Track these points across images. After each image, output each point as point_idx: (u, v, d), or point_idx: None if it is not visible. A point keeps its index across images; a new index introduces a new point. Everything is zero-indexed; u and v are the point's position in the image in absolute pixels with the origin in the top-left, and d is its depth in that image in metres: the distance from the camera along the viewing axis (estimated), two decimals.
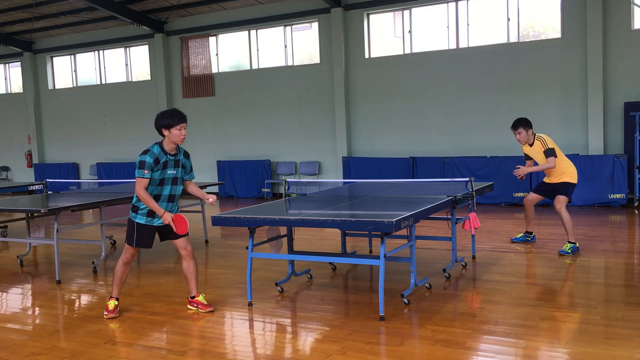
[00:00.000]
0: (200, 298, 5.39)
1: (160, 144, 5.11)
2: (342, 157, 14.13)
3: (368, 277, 6.53)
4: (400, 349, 4.30)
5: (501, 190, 11.47)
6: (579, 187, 11.26)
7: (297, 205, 6.24)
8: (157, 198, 5.10)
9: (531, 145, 7.41)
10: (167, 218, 5.07)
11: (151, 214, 5.14)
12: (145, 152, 5.04)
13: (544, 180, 7.71)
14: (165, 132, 5.04)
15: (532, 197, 7.76)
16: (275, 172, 15.31)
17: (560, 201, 7.30)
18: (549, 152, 7.21)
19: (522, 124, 7.31)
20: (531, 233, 7.98)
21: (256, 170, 15.17)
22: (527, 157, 7.63)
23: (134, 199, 5.18)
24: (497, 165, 11.89)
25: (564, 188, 7.36)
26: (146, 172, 4.95)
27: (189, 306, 5.45)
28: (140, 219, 5.16)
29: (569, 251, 7.17)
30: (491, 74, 12.91)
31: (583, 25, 11.90)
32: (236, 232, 9.71)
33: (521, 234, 8.06)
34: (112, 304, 5.32)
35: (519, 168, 7.43)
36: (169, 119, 5.02)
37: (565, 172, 7.37)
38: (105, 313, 5.29)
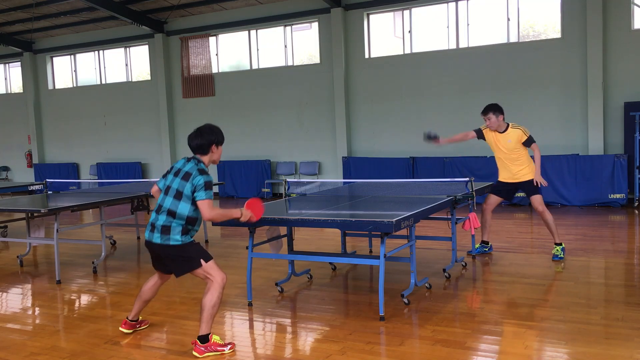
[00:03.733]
0: (216, 339, 4.40)
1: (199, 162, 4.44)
2: (342, 157, 14.13)
3: (368, 277, 6.53)
4: (400, 349, 4.30)
5: None
6: (579, 187, 11.35)
7: (297, 205, 6.24)
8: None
9: (502, 132, 6.86)
10: (246, 213, 4.52)
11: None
12: (205, 172, 4.35)
13: (500, 180, 7.16)
14: (214, 149, 4.45)
15: (493, 200, 7.23)
16: (275, 172, 15.31)
17: (539, 201, 6.87)
18: (531, 140, 6.80)
19: (491, 109, 6.81)
20: (487, 243, 7.37)
21: (256, 170, 15.17)
22: (480, 135, 7.07)
23: (172, 221, 4.34)
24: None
25: (532, 186, 6.91)
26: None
27: (195, 353, 4.32)
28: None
29: (562, 255, 6.89)
30: (491, 74, 12.90)
31: (583, 25, 11.90)
32: (236, 232, 9.71)
33: (478, 245, 7.36)
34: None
35: (539, 182, 6.86)
36: (221, 135, 4.50)
37: (527, 167, 6.93)
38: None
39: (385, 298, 5.24)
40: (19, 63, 19.36)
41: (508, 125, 6.91)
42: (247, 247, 5.63)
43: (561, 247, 6.97)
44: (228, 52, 16.23)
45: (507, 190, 7.21)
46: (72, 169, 18.41)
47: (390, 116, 14.03)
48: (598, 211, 10.82)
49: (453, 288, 5.95)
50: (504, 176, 7.15)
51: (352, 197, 6.90)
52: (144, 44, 17.18)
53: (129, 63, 17.74)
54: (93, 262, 7.37)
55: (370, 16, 14.27)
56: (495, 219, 10.21)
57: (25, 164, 19.53)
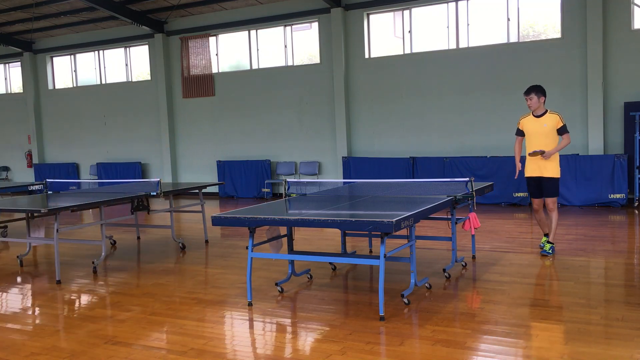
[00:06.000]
0: None
1: None
2: (342, 157, 14.13)
3: (368, 277, 6.53)
4: (400, 349, 4.30)
5: (501, 190, 11.47)
6: (579, 187, 11.34)
7: (297, 205, 6.24)
8: None
9: (539, 116, 7.05)
10: None
11: None
12: None
13: (526, 176, 7.25)
14: None
15: (537, 201, 7.29)
16: (275, 172, 15.31)
17: (553, 201, 7.12)
18: (565, 129, 6.98)
19: (534, 89, 7.04)
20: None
21: (256, 170, 15.18)
22: (520, 134, 7.28)
23: None
24: (497, 165, 11.89)
25: (555, 186, 7.09)
26: None
27: None
28: None
29: (550, 251, 7.10)
30: (491, 74, 12.90)
31: (583, 25, 11.91)
32: (236, 232, 9.71)
33: (549, 244, 7.26)
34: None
35: (543, 152, 6.97)
36: None
37: (554, 163, 7.10)
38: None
39: (385, 298, 5.24)
40: (19, 63, 19.36)
41: (546, 110, 7.11)
42: (247, 247, 5.63)
43: (552, 246, 7.18)
44: (228, 52, 16.23)
45: (535, 186, 7.27)
46: (72, 169, 18.41)
47: (390, 116, 14.04)
48: (598, 211, 10.82)
49: (453, 288, 5.95)
50: (530, 169, 7.22)
51: (352, 197, 6.89)
52: (144, 44, 17.19)
53: (129, 63, 17.74)
54: (93, 262, 7.37)
55: (370, 16, 14.27)
56: (495, 218, 10.23)
57: (25, 164, 19.54)
